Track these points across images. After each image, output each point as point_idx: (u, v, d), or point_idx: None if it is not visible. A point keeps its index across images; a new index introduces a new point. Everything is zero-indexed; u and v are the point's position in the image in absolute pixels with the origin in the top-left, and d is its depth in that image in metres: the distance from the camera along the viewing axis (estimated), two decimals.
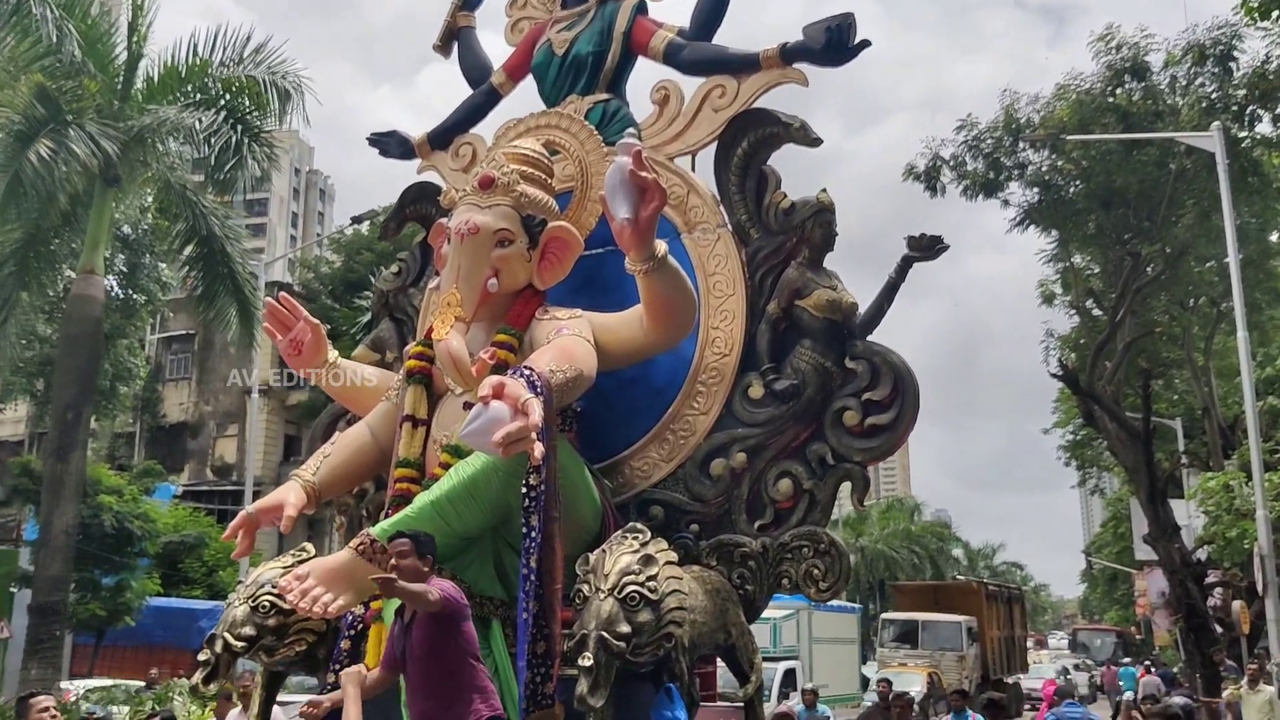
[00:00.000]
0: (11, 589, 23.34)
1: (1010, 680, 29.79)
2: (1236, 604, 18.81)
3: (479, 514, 5.05)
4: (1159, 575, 29.84)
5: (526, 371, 4.94)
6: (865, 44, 6.37)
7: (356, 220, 27.70)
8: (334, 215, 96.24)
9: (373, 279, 28.11)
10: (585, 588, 4.80)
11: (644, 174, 5.23)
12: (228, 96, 13.51)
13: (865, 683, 25.29)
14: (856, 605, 34.75)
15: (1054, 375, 23.18)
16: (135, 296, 25.20)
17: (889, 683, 11.62)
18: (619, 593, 4.68)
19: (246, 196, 14.34)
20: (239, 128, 13.22)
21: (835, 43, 6.33)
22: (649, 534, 5.07)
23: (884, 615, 30.32)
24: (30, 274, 14.53)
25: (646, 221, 5.29)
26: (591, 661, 4.52)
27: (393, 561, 4.54)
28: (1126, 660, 39.12)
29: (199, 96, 13.61)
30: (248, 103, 13.48)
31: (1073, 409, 31.74)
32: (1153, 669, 29.87)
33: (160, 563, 26.18)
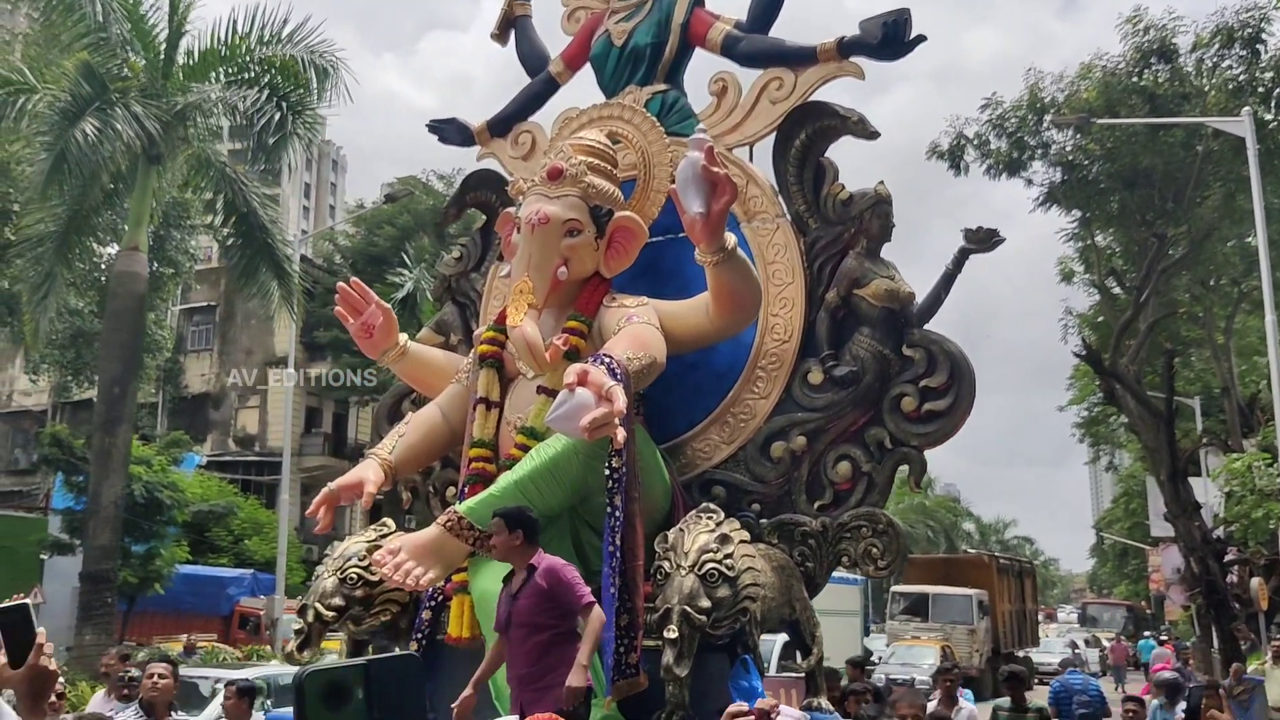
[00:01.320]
0: (42, 556, 23.72)
1: (1021, 654, 29.91)
2: (1255, 581, 19.06)
3: (560, 493, 5.31)
4: (1174, 552, 30.06)
5: (607, 359, 5.19)
6: (921, 39, 6.56)
7: (390, 199, 27.86)
8: (345, 186, 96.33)
9: (405, 255, 28.41)
10: (666, 564, 5.07)
11: (716, 169, 5.43)
12: (269, 75, 13.70)
13: (867, 656, 25.04)
14: (859, 577, 34.55)
15: (1077, 355, 23.40)
16: (163, 269, 25.47)
17: (859, 667, 10.60)
18: (699, 569, 4.95)
19: (260, 167, 14.52)
20: (283, 105, 13.41)
21: (891, 37, 6.51)
22: (722, 514, 5.33)
23: (894, 588, 30.07)
24: (71, 251, 14.81)
25: (718, 215, 5.50)
26: (676, 634, 4.80)
27: (489, 539, 4.82)
28: (1148, 634, 39.30)
29: (241, 76, 13.80)
30: (287, 81, 13.67)
31: (1089, 386, 31.93)
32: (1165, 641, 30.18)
33: (188, 531, 26.58)
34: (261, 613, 25.07)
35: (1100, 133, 20.20)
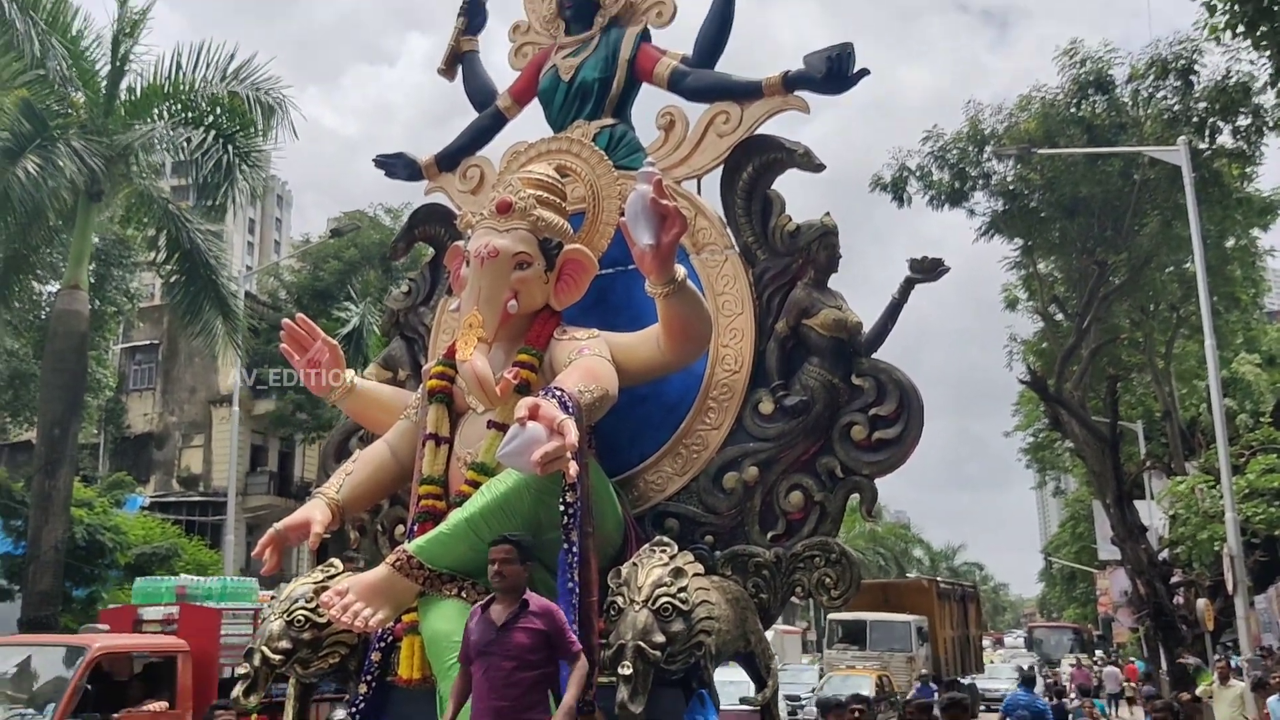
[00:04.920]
0: None
1: (966, 681, 29.38)
2: (1201, 602, 19.36)
3: (512, 530, 5.24)
4: (1121, 575, 30.46)
5: (558, 392, 5.15)
6: (864, 72, 6.64)
7: (336, 233, 27.67)
8: (291, 221, 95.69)
9: (351, 289, 28.15)
10: (619, 599, 5.03)
11: (665, 202, 5.44)
12: (214, 114, 13.55)
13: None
14: None
15: (1022, 381, 23.72)
16: (104, 308, 25.07)
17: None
18: (653, 604, 4.91)
19: (216, 212, 14.10)
20: (229, 147, 13.25)
21: (836, 72, 6.58)
22: (675, 547, 5.30)
23: (830, 615, 29.42)
24: (10, 290, 14.53)
25: (668, 247, 5.50)
26: (631, 670, 4.75)
27: (495, 567, 4.73)
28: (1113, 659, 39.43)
29: (186, 114, 13.65)
30: (234, 119, 13.53)
31: (1034, 412, 32.36)
32: (1116, 662, 30.46)
33: (131, 574, 25.96)
34: None
35: (1041, 162, 20.62)
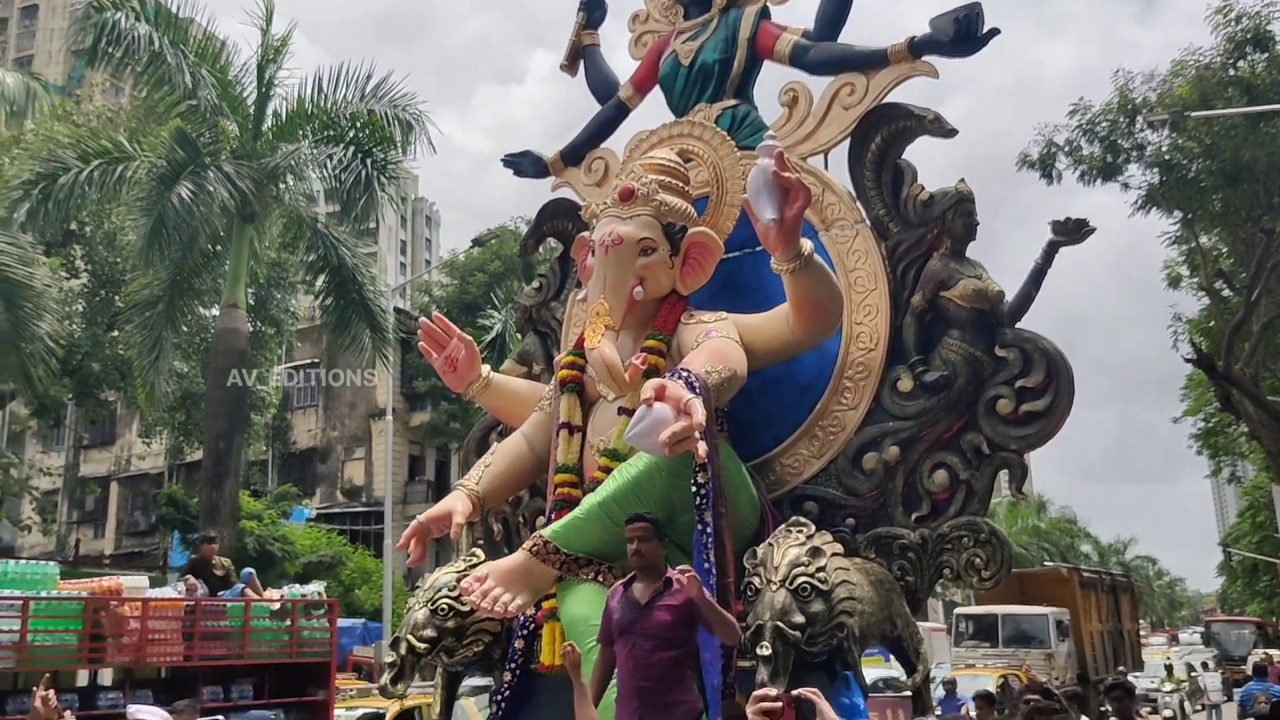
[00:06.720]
0: None
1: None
2: None
3: (645, 512, 5.19)
4: None
5: (684, 373, 5.07)
6: (995, 32, 6.36)
7: (477, 243, 28.34)
8: (440, 240, 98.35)
9: (495, 298, 28.75)
10: (756, 580, 4.92)
11: (787, 174, 5.30)
12: (354, 131, 14.02)
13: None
14: None
15: (1188, 360, 22.55)
16: (265, 329, 26.19)
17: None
18: (790, 584, 4.79)
19: (354, 224, 14.60)
20: (368, 162, 13.70)
21: (964, 33, 6.32)
22: (813, 527, 5.16)
23: (958, 610, 27.50)
24: (177, 313, 15.31)
25: (792, 221, 5.35)
26: (770, 650, 4.64)
27: (634, 545, 4.71)
28: None
29: (327, 133, 14.17)
30: (372, 135, 13.97)
31: (1204, 395, 30.77)
32: None
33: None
34: (373, 661, 25.31)
35: (1198, 129, 19.56)
